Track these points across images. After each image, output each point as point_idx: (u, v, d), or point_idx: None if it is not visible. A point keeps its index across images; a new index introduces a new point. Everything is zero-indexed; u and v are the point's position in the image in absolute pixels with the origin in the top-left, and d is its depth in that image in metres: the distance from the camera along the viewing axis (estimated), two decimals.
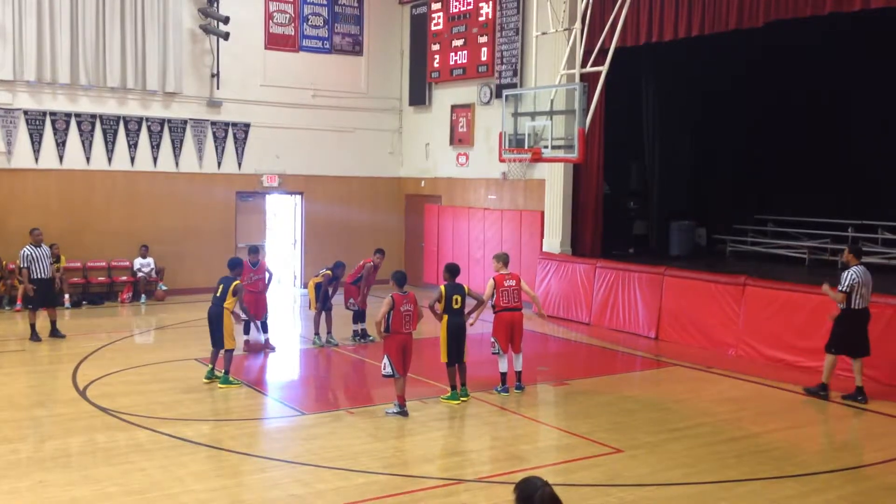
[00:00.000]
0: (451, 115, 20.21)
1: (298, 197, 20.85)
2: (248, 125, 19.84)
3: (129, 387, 11.16)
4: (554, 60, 15.38)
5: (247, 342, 13.53)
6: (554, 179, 17.39)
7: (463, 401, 10.58)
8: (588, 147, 14.53)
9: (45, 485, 7.60)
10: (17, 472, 7.91)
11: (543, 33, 14.74)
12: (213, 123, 19.46)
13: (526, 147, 13.78)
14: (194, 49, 19.17)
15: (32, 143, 17.66)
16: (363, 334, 14.32)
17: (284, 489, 7.63)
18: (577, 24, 13.87)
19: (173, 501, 7.29)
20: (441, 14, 20.19)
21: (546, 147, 13.57)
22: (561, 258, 17.14)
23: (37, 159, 17.73)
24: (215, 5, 18.97)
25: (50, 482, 7.67)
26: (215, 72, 19.29)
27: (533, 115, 14.02)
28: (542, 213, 17.73)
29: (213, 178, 19.53)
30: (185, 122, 19.13)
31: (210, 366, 11.40)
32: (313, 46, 20.60)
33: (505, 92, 15.41)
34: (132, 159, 18.62)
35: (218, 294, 11.29)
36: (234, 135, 19.75)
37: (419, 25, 20.97)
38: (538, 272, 17.31)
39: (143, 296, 18.25)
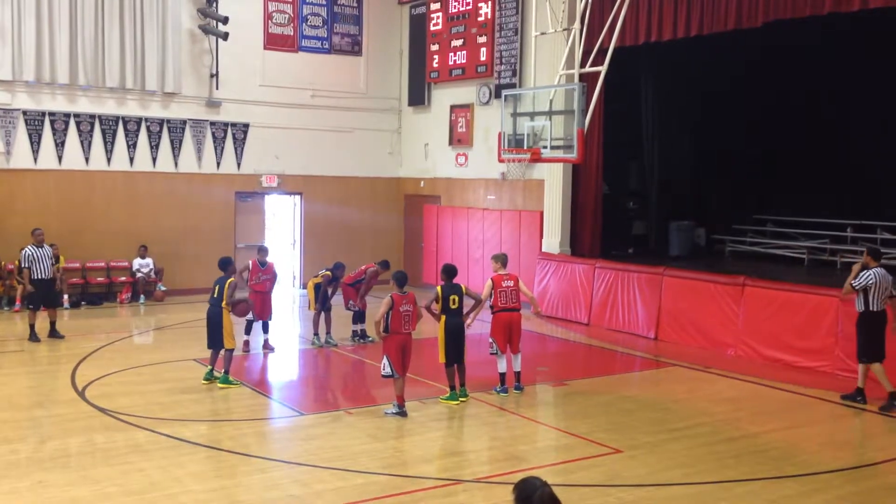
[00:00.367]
0: (451, 116, 20.21)
1: (297, 197, 20.85)
2: (247, 125, 19.84)
3: (128, 387, 11.15)
4: (553, 60, 15.38)
5: (246, 342, 13.52)
6: (553, 180, 17.40)
7: (462, 401, 10.58)
8: (587, 147, 14.55)
9: (44, 485, 7.60)
10: (17, 473, 7.91)
11: (542, 33, 14.74)
12: (213, 124, 19.46)
13: (525, 147, 13.78)
14: (193, 49, 19.17)
15: (31, 143, 17.66)
16: (362, 335, 14.32)
17: (283, 489, 7.63)
18: (576, 24, 13.89)
19: (172, 501, 7.29)
20: (440, 14, 20.20)
21: (545, 147, 13.57)
22: (560, 258, 17.14)
23: (36, 160, 17.72)
24: (214, 5, 18.97)
25: (49, 482, 7.66)
26: (214, 72, 19.29)
27: (532, 115, 14.02)
28: (542, 214, 17.74)
29: (212, 179, 19.52)
30: (184, 122, 19.13)
31: (209, 367, 11.39)
32: (312, 47, 20.60)
33: (504, 92, 15.42)
34: (131, 159, 18.62)
35: (215, 295, 11.28)
36: (234, 135, 19.75)
37: (418, 25, 20.97)
38: (537, 272, 17.31)
39: (142, 296, 18.25)
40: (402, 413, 9.89)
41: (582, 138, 12.96)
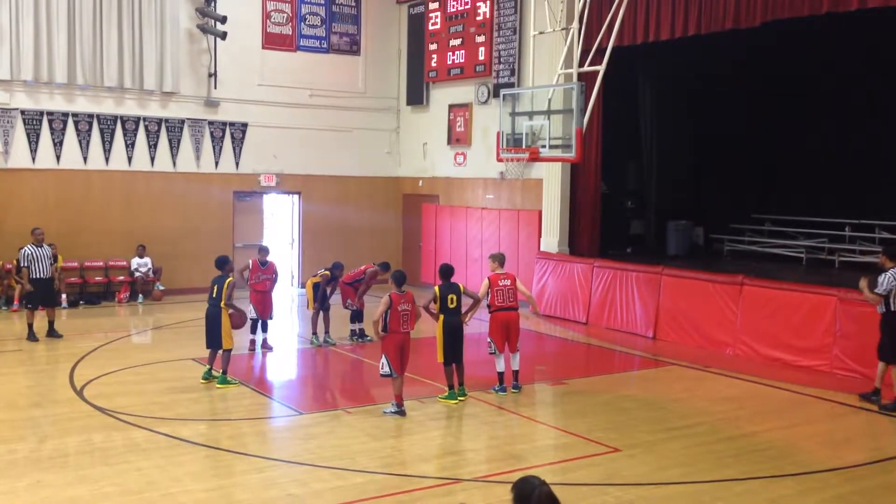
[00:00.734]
0: (449, 115, 20.21)
1: (296, 197, 20.84)
2: (245, 125, 19.83)
3: (127, 386, 11.15)
4: (551, 60, 15.38)
5: (252, 341, 13.53)
6: (551, 179, 17.40)
7: (460, 400, 10.58)
8: (585, 146, 14.55)
9: (42, 485, 7.60)
10: (15, 472, 7.90)
11: (541, 33, 14.75)
12: (211, 123, 19.45)
13: (523, 146, 13.79)
14: (192, 49, 19.16)
15: (30, 142, 17.65)
16: (361, 334, 14.32)
17: (282, 489, 7.63)
18: (575, 24, 13.89)
19: (170, 501, 7.28)
20: (438, 14, 20.19)
21: (544, 146, 13.58)
22: (558, 258, 17.15)
23: (34, 159, 17.71)
24: (213, 5, 18.96)
25: (47, 482, 7.66)
26: (213, 71, 19.28)
27: (530, 114, 14.03)
28: (540, 213, 17.74)
29: (211, 178, 19.52)
30: (182, 121, 19.12)
31: (208, 366, 11.39)
32: (311, 46, 20.59)
33: (502, 91, 15.42)
34: (129, 159, 18.60)
35: (213, 295, 11.27)
36: (232, 134, 19.74)
37: (417, 25, 20.97)
38: (536, 272, 17.32)
39: (140, 296, 18.24)
40: (400, 412, 9.89)
41: (580, 138, 12.97)
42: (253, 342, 13.58)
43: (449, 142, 20.26)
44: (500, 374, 11.08)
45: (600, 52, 13.57)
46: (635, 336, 15.09)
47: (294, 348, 14.53)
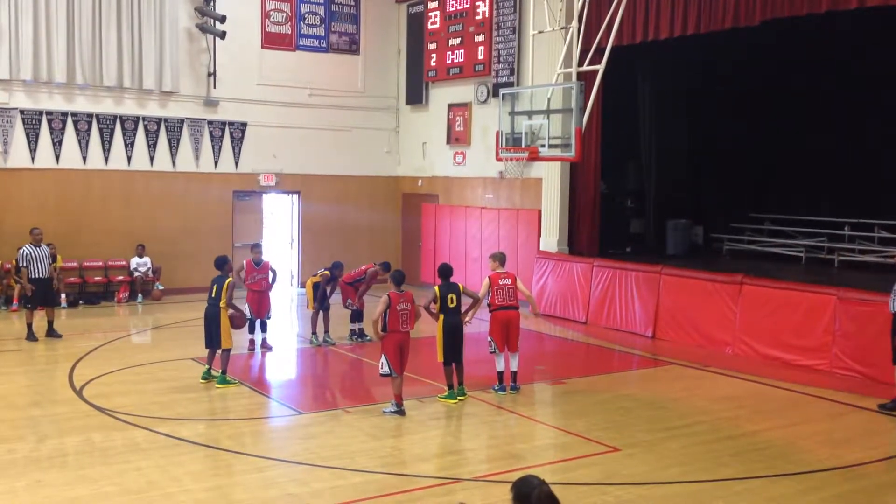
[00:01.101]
0: (448, 114, 20.21)
1: (295, 196, 20.84)
2: (244, 124, 19.82)
3: (126, 386, 11.15)
4: (551, 59, 15.38)
5: (251, 341, 13.53)
6: (551, 178, 17.39)
7: (460, 400, 10.58)
8: (585, 146, 14.55)
9: (41, 484, 7.60)
10: (14, 472, 7.90)
11: (540, 32, 14.74)
12: (210, 123, 19.45)
13: (523, 146, 13.79)
14: (191, 48, 19.15)
15: (29, 142, 17.64)
16: (360, 333, 14.31)
17: (281, 488, 7.63)
18: (574, 23, 13.89)
19: (170, 501, 7.28)
20: (438, 13, 20.19)
21: (543, 146, 13.57)
22: (558, 257, 17.15)
23: (33, 159, 17.70)
24: (212, 4, 18.95)
25: (47, 482, 7.66)
26: (212, 71, 19.27)
27: (530, 113, 14.02)
28: (540, 212, 17.74)
29: (210, 178, 19.51)
30: (181, 121, 19.11)
31: (207, 366, 11.39)
32: (310, 45, 20.58)
33: (502, 91, 15.41)
34: (129, 158, 18.59)
35: (213, 294, 11.27)
36: (231, 134, 19.73)
37: (416, 24, 20.96)
38: (535, 271, 17.32)
39: (139, 295, 18.24)
40: (400, 412, 9.89)
41: (580, 137, 12.96)
42: (252, 342, 13.59)
43: (448, 141, 20.26)
44: (500, 374, 11.08)
45: (600, 51, 13.56)
46: (635, 335, 15.09)
47: (293, 348, 14.53)
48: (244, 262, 13.80)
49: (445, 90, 20.32)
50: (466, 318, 10.93)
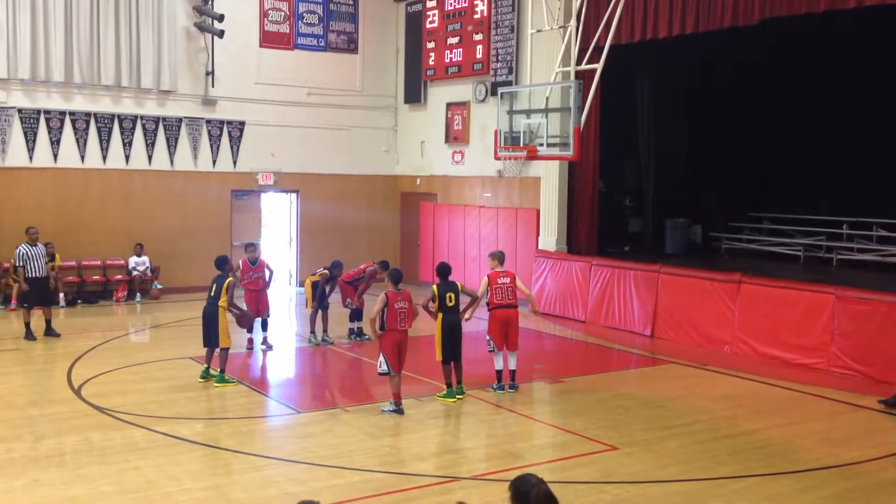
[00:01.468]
0: (447, 113, 20.20)
1: (294, 195, 20.83)
2: (243, 123, 19.81)
3: (124, 385, 11.14)
4: (549, 58, 15.37)
5: (250, 340, 13.53)
6: (549, 177, 17.39)
7: (459, 399, 10.59)
8: (583, 145, 14.54)
9: (40, 484, 7.59)
10: (13, 471, 7.90)
11: (539, 31, 14.73)
12: (208, 121, 19.43)
13: (521, 145, 13.78)
14: (189, 47, 19.13)
15: (27, 141, 17.62)
16: (359, 332, 14.31)
17: (280, 487, 7.63)
18: (572, 22, 13.87)
19: (168, 500, 7.28)
20: (436, 12, 20.18)
21: (541, 145, 13.56)
22: (557, 256, 17.15)
23: (31, 158, 17.68)
24: (210, 3, 18.93)
25: (45, 481, 7.65)
26: (210, 70, 19.25)
27: (528, 112, 14.01)
28: (538, 211, 17.74)
29: (209, 177, 19.50)
30: (179, 120, 19.09)
31: (205, 365, 11.38)
32: (308, 44, 20.57)
33: (500, 89, 15.39)
34: (127, 157, 18.57)
35: (212, 293, 11.27)
36: (230, 133, 19.72)
37: (414, 23, 20.95)
38: (534, 270, 17.32)
39: (138, 294, 18.23)
40: (398, 411, 9.89)
41: (578, 136, 12.96)
42: (251, 341, 13.59)
43: (447, 140, 20.26)
44: (499, 373, 11.08)
45: (598, 50, 13.55)
46: (633, 334, 15.09)
47: (292, 347, 14.52)
48: (240, 261, 13.81)
49: (444, 89, 20.31)
50: (466, 316, 10.94)
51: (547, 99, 13.88)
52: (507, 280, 11.15)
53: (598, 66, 13.23)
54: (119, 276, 18.41)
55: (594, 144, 16.92)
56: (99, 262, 18.36)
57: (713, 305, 14.00)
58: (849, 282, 13.17)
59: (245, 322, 11.66)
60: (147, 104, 18.77)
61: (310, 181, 20.70)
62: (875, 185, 17.77)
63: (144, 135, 18.72)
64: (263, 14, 19.94)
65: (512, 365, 11.15)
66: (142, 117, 18.68)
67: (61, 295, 17.14)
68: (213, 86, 19.35)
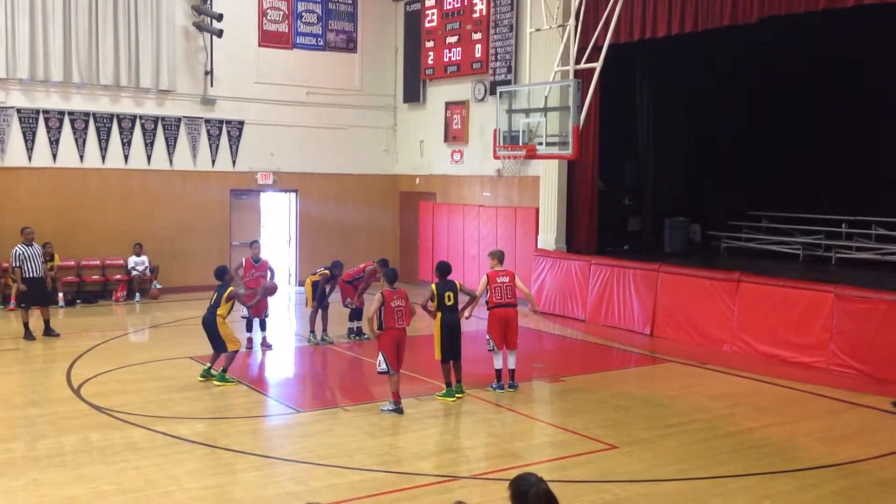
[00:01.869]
0: (446, 112, 20.20)
1: (293, 195, 20.82)
2: (242, 123, 19.80)
3: (124, 385, 11.14)
4: (548, 57, 15.37)
5: (249, 340, 13.54)
6: (548, 176, 17.39)
7: (458, 398, 10.59)
8: (582, 144, 14.53)
9: (39, 483, 7.59)
10: (12, 471, 7.89)
11: (537, 30, 14.73)
12: (207, 121, 19.42)
13: (520, 144, 13.78)
14: (188, 46, 19.12)
15: (26, 141, 17.61)
16: (358, 332, 14.31)
17: (279, 487, 7.63)
18: (571, 21, 13.87)
19: (168, 500, 7.28)
20: (435, 11, 20.17)
21: (540, 144, 13.57)
22: (556, 255, 17.15)
23: (30, 158, 17.67)
24: (209, 2, 18.92)
25: (44, 481, 7.65)
26: (209, 69, 19.24)
27: (527, 111, 14.02)
28: (537, 210, 17.74)
29: (208, 176, 19.49)
30: (178, 119, 19.09)
31: (207, 365, 11.38)
32: (307, 44, 20.56)
33: (499, 89, 15.39)
34: (126, 157, 18.56)
35: (212, 302, 11.29)
36: (229, 132, 19.71)
37: (413, 22, 20.94)
38: (533, 269, 17.32)
39: (137, 294, 18.22)
40: (398, 410, 9.89)
41: (577, 135, 12.96)
42: (251, 340, 13.60)
43: (446, 139, 20.25)
44: (498, 372, 11.08)
45: (597, 49, 13.55)
46: (633, 333, 15.10)
47: (291, 346, 14.52)
48: (243, 259, 13.82)
49: (443, 88, 20.31)
50: (465, 315, 10.94)
51: (546, 98, 13.89)
52: (507, 279, 11.15)
53: (598, 65, 13.23)
54: (118, 276, 18.40)
55: (593, 143, 16.93)
56: (98, 262, 18.35)
57: (712, 304, 14.00)
58: (848, 280, 13.18)
59: (270, 291, 12.37)
60: (146, 104, 18.76)
61: (309, 181, 20.69)
62: (874, 183, 17.78)
63: (143, 134, 18.71)
64: (262, 13, 19.93)
65: (511, 364, 11.15)
66: (141, 117, 18.67)
67: (60, 295, 17.14)
68: (211, 85, 19.34)
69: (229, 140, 19.72)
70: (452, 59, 19.68)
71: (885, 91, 17.07)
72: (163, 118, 18.90)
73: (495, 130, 14.58)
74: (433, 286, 10.66)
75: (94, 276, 18.30)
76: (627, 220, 20.48)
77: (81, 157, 18.14)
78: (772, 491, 7.64)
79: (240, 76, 19.63)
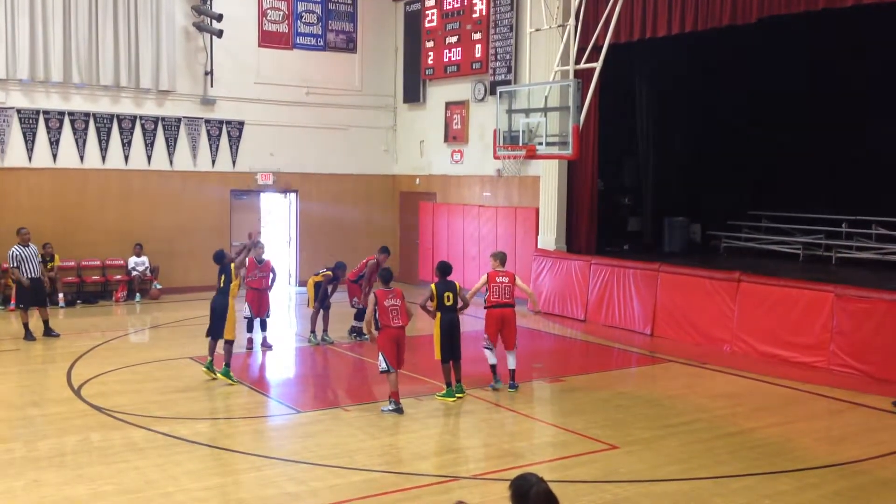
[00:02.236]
0: (446, 112, 20.19)
1: (293, 195, 20.82)
2: (241, 123, 19.80)
3: (124, 385, 11.14)
4: (548, 57, 15.37)
5: (249, 340, 13.53)
6: (548, 176, 17.39)
7: (458, 398, 10.58)
8: (582, 143, 14.52)
9: (39, 484, 7.59)
10: (12, 472, 7.89)
11: (537, 30, 14.73)
12: (207, 121, 19.42)
13: (520, 144, 13.78)
14: (188, 47, 19.12)
15: (26, 141, 17.61)
16: (360, 332, 14.29)
17: (279, 487, 7.63)
18: (571, 21, 13.86)
19: (168, 500, 7.28)
20: (435, 11, 20.17)
21: (540, 144, 13.56)
22: (556, 255, 17.15)
23: (30, 158, 17.67)
24: (209, 3, 18.92)
25: (44, 481, 7.65)
26: (209, 69, 19.24)
27: (527, 111, 14.01)
28: (537, 210, 17.74)
29: (208, 177, 19.49)
30: (178, 120, 19.09)
31: (209, 358, 11.37)
32: (307, 44, 20.56)
33: (499, 89, 15.38)
34: (126, 158, 18.56)
35: (221, 284, 11.30)
36: (228, 133, 19.71)
37: (413, 22, 20.94)
38: (533, 269, 17.32)
39: (137, 294, 18.22)
40: (398, 410, 9.89)
41: (577, 135, 12.95)
42: (251, 340, 13.59)
43: (446, 139, 20.25)
44: (493, 367, 11.10)
45: (597, 49, 13.54)
46: (633, 333, 15.09)
47: (292, 347, 14.52)
48: (246, 259, 13.78)
49: (443, 88, 20.30)
50: (467, 297, 10.88)
51: (546, 98, 13.88)
52: (506, 280, 11.15)
53: (598, 65, 13.22)
54: (118, 277, 18.41)
55: (593, 143, 16.92)
56: (98, 263, 18.35)
57: (712, 304, 14.00)
58: (848, 280, 13.19)
59: (255, 243, 12.91)
60: (146, 104, 18.76)
61: (309, 181, 20.69)
62: (874, 183, 17.76)
63: (143, 135, 18.71)
64: (262, 14, 19.93)
65: (511, 364, 11.15)
66: (141, 117, 18.67)
67: (61, 295, 17.15)
68: (211, 85, 19.34)
69: (229, 140, 19.72)
70: (452, 59, 19.68)
71: (886, 91, 17.06)
72: (163, 118, 18.90)
73: (495, 130, 14.58)
74: (432, 286, 10.66)
75: (94, 277, 18.30)
76: (627, 220, 20.48)
77: (81, 158, 18.15)
78: (772, 491, 7.64)
79: (240, 76, 19.64)
